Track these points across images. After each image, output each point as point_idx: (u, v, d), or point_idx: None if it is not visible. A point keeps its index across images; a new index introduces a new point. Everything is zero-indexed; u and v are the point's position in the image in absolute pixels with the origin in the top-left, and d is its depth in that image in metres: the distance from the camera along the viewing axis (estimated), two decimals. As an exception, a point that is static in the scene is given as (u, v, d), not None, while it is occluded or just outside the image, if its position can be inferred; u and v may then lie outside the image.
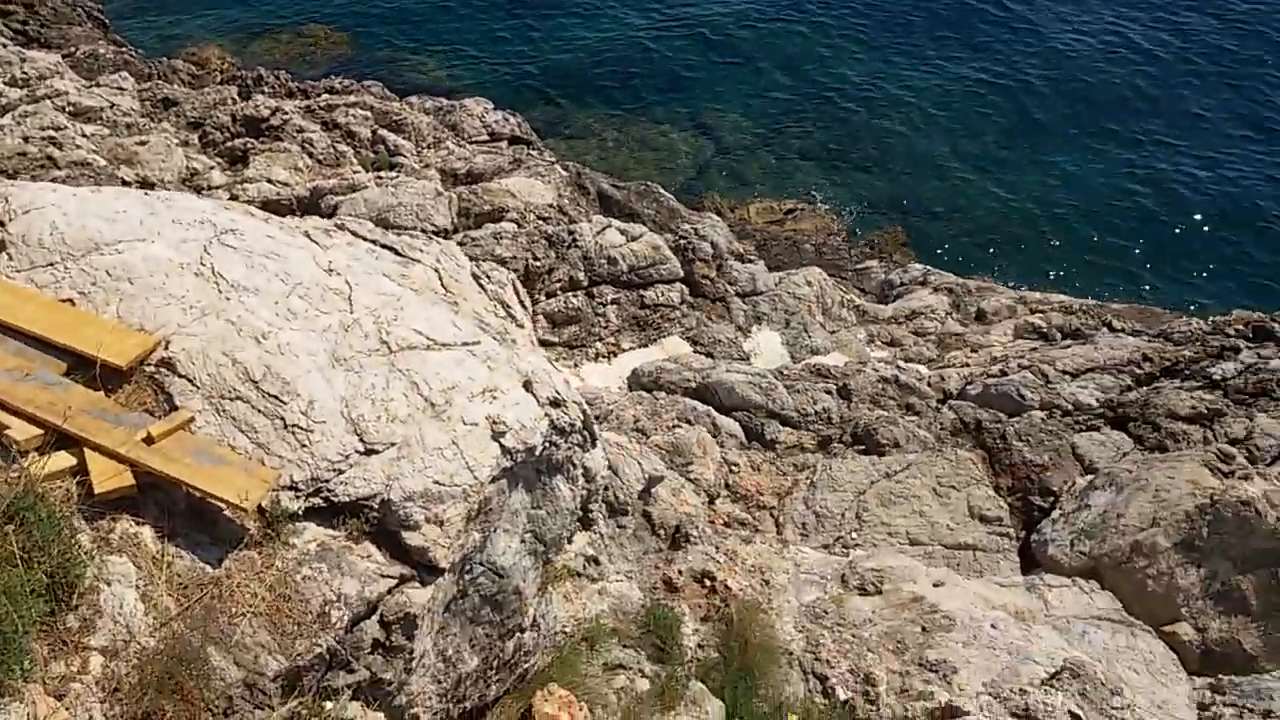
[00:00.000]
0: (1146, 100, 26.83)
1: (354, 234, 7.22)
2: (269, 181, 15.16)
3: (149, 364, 5.89)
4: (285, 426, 5.69)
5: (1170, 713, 7.95)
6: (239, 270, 6.32)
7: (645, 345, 15.68)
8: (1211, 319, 15.46)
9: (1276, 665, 8.98)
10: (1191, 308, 20.10)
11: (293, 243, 6.76)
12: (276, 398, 5.75)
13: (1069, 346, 14.81)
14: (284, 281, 6.32)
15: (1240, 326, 14.53)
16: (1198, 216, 23.42)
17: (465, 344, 6.38)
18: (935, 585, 9.52)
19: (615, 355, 15.59)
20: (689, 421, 12.61)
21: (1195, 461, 10.83)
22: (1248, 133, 26.20)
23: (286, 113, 16.43)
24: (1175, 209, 23.64)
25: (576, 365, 15.43)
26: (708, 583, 9.28)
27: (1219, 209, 23.64)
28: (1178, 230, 23.06)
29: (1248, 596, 9.71)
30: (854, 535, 11.11)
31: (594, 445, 7.42)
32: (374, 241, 7.25)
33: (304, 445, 5.65)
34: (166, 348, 5.91)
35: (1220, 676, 8.56)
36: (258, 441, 5.66)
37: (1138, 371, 13.84)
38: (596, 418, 12.86)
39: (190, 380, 5.79)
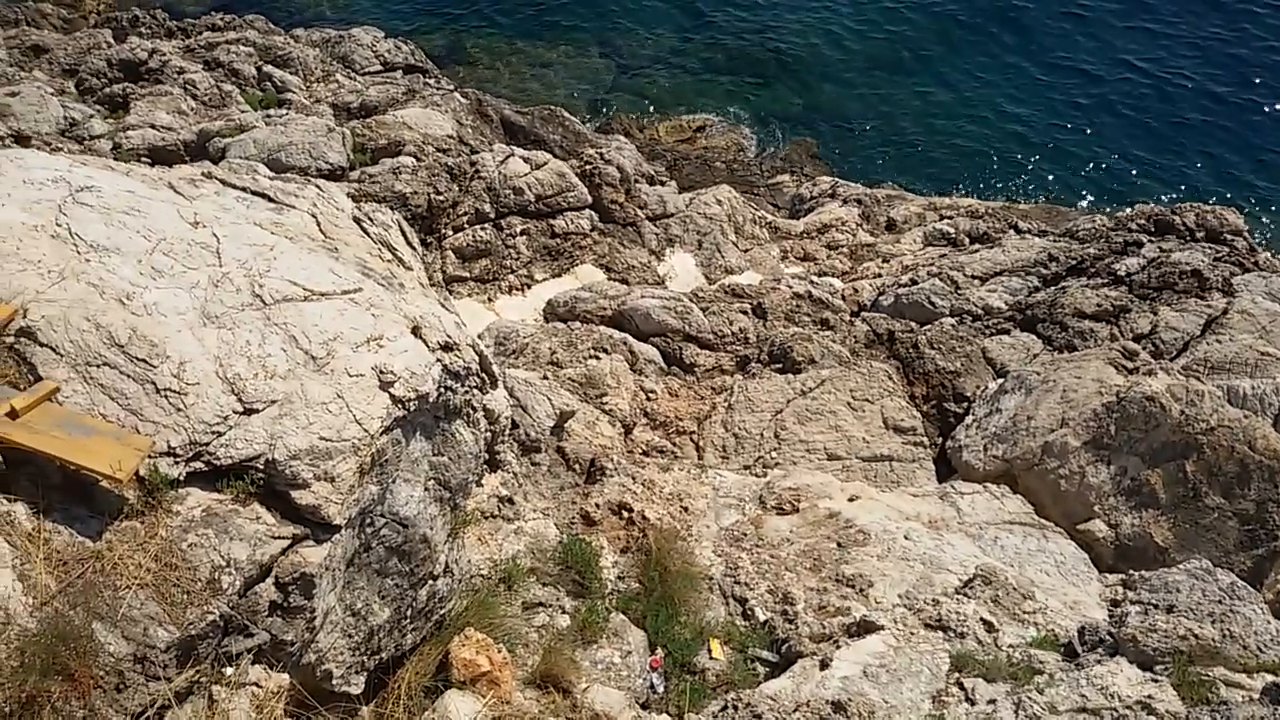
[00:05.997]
0: (1052, 13, 26.95)
1: (223, 182, 6.84)
2: (153, 127, 14.48)
3: (8, 334, 5.54)
4: (157, 390, 5.42)
5: (1082, 612, 8.06)
6: (98, 229, 5.95)
7: (558, 275, 15.47)
8: (1114, 214, 15.64)
9: (1186, 556, 9.18)
10: (1092, 201, 20.38)
11: (155, 196, 6.38)
12: (146, 361, 5.46)
13: (977, 251, 14.88)
14: (147, 239, 5.97)
15: (1142, 221, 14.69)
16: (1101, 115, 23.66)
17: (346, 292, 6.12)
18: (850, 500, 9.55)
19: (529, 287, 15.36)
20: (605, 350, 12.47)
21: (1100, 360, 10.96)
22: (1144, 31, 26.50)
23: (165, 54, 15.64)
24: (1078, 108, 23.87)
25: (491, 299, 15.18)
26: (625, 514, 9.22)
27: (1120, 107, 23.90)
28: (1082, 129, 23.28)
29: (1157, 490, 9.90)
30: (773, 454, 11.11)
31: (494, 386, 7.23)
32: (245, 189, 6.88)
33: (179, 409, 5.39)
34: (25, 316, 5.56)
35: (1131, 572, 8.71)
36: (129, 408, 5.39)
37: (1044, 272, 13.97)
38: (513, 352, 12.70)
39: (53, 349, 5.47)
